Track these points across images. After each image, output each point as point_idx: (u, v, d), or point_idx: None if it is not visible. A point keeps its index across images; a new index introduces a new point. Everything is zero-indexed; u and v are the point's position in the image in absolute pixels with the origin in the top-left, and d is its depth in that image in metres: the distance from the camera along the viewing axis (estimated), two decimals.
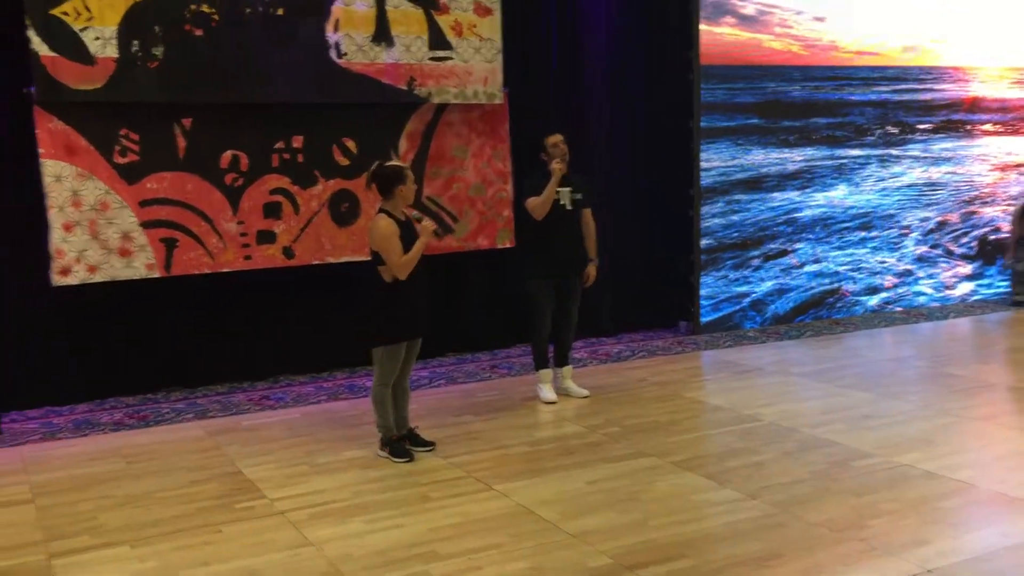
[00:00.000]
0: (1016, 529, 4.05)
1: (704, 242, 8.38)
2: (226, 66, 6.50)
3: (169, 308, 6.74)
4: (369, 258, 5.19)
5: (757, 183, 8.66)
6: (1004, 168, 9.98)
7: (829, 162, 9.03)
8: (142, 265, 6.45)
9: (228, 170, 6.69)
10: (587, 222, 6.36)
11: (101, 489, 4.86)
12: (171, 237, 6.53)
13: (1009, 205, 9.95)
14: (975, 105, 9.81)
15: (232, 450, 5.45)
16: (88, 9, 6.09)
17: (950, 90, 9.68)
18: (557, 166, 6.07)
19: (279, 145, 6.83)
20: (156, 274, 6.50)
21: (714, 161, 8.42)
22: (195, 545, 4.11)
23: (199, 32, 6.41)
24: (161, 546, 4.12)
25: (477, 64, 7.31)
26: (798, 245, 8.85)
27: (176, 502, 4.64)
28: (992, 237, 9.88)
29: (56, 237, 6.18)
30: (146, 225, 6.44)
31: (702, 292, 8.40)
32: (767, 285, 8.73)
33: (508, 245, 7.64)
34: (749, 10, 8.49)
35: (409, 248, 5.01)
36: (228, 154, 6.68)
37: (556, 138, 6.20)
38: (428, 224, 5.15)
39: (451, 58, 7.22)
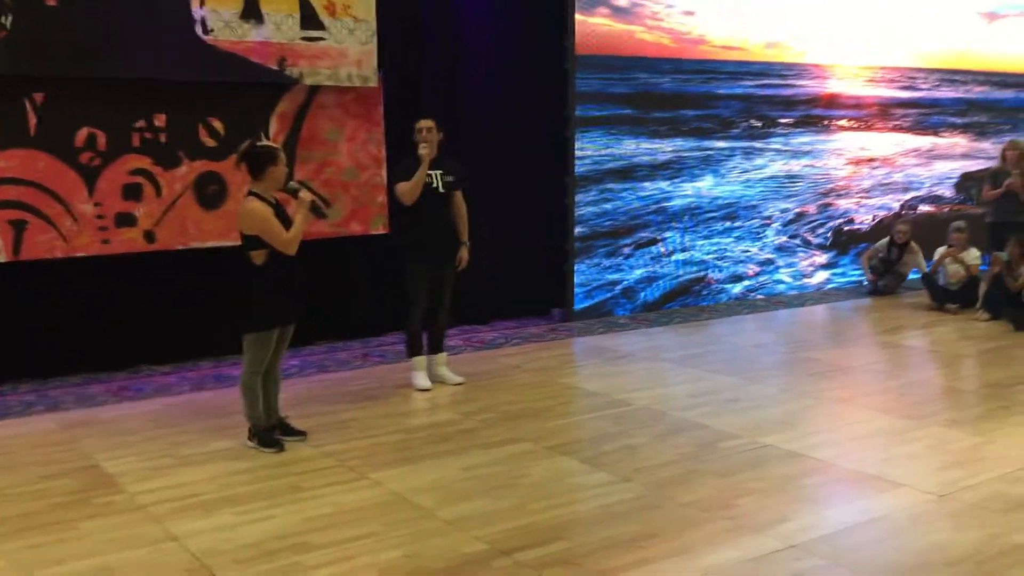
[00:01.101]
0: (873, 504, 4.25)
1: (578, 230, 8.47)
2: (82, 38, 6.14)
3: (18, 295, 6.34)
4: (239, 243, 5.00)
5: (629, 172, 8.81)
6: (858, 162, 10.48)
7: (697, 153, 9.27)
8: None
9: (84, 149, 6.34)
10: (458, 205, 6.29)
11: None
12: (20, 219, 6.14)
13: (861, 198, 10.46)
14: (832, 101, 10.25)
15: (88, 443, 5.17)
16: None
17: (809, 86, 10.08)
18: (424, 151, 6.01)
19: (140, 124, 6.52)
20: (3, 259, 6.11)
21: (588, 150, 8.51)
22: (48, 543, 3.88)
23: (53, 2, 6.03)
24: (10, 545, 3.86)
25: (351, 46, 7.16)
26: (667, 234, 9.06)
27: (27, 499, 4.37)
28: (846, 228, 10.36)
29: None
30: None
31: (575, 279, 8.49)
32: (638, 273, 8.90)
33: (382, 231, 7.53)
34: (622, 2, 8.61)
35: (286, 227, 4.87)
36: (84, 132, 6.33)
37: (426, 123, 6.11)
38: (305, 195, 4.98)
39: (324, 39, 7.04)
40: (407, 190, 6.03)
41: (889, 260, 9.79)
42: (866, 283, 9.98)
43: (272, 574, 3.60)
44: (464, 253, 6.31)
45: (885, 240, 9.87)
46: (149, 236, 6.59)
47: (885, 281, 9.79)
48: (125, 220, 6.50)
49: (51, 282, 6.41)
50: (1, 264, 6.13)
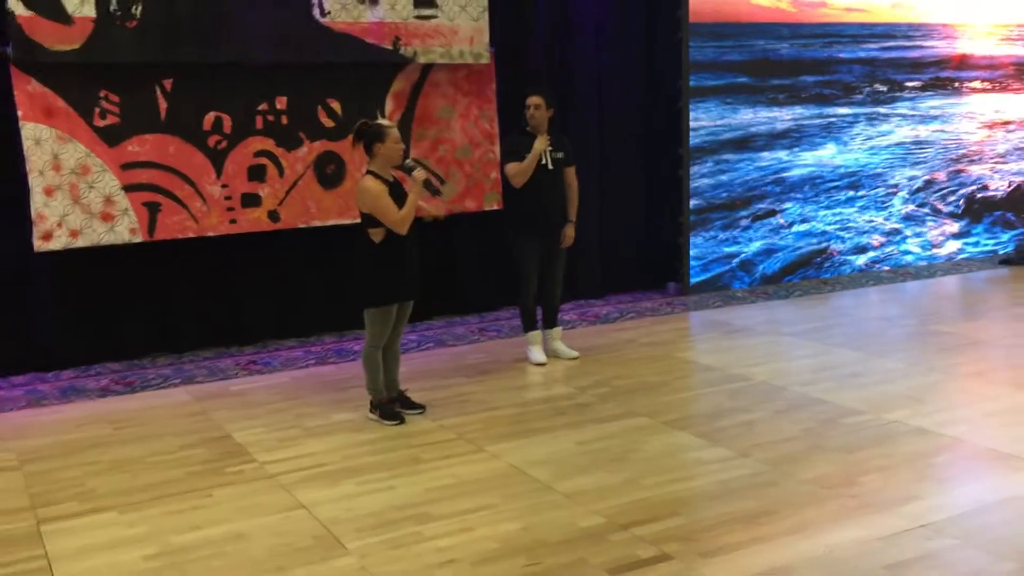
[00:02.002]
0: (1006, 484, 4.07)
1: (693, 202, 8.34)
2: (207, 25, 6.37)
3: (154, 273, 6.67)
4: (358, 221, 5.13)
5: (746, 143, 8.60)
6: (992, 126, 9.95)
7: (818, 121, 8.97)
8: (125, 229, 6.36)
9: (211, 132, 6.58)
10: (570, 182, 6.26)
11: (88, 455, 4.82)
12: (154, 201, 6.44)
13: (996, 163, 9.94)
14: (963, 62, 9.75)
15: (220, 415, 5.41)
16: None
17: (938, 47, 9.61)
18: (541, 144, 5.98)
19: (263, 107, 6.73)
20: (139, 238, 6.42)
21: (703, 120, 8.35)
22: (184, 510, 4.09)
23: None
24: (150, 511, 4.09)
25: (463, 23, 7.20)
26: (786, 205, 8.82)
27: (164, 467, 4.61)
28: (979, 195, 9.87)
29: (37, 201, 6.08)
30: (128, 189, 6.34)
31: (691, 253, 8.37)
32: (756, 245, 8.70)
33: (496, 207, 7.58)
34: None
35: (401, 204, 4.95)
36: (211, 116, 6.57)
37: (534, 99, 6.08)
38: (419, 174, 5.03)
39: (436, 17, 7.10)
40: (517, 173, 6.04)
41: None
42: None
43: (393, 543, 3.70)
44: (570, 231, 6.27)
45: None
46: (273, 215, 6.82)
47: None
48: (251, 200, 6.74)
49: (183, 261, 6.71)
50: (137, 244, 6.44)
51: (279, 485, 4.32)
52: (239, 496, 4.22)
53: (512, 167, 6.07)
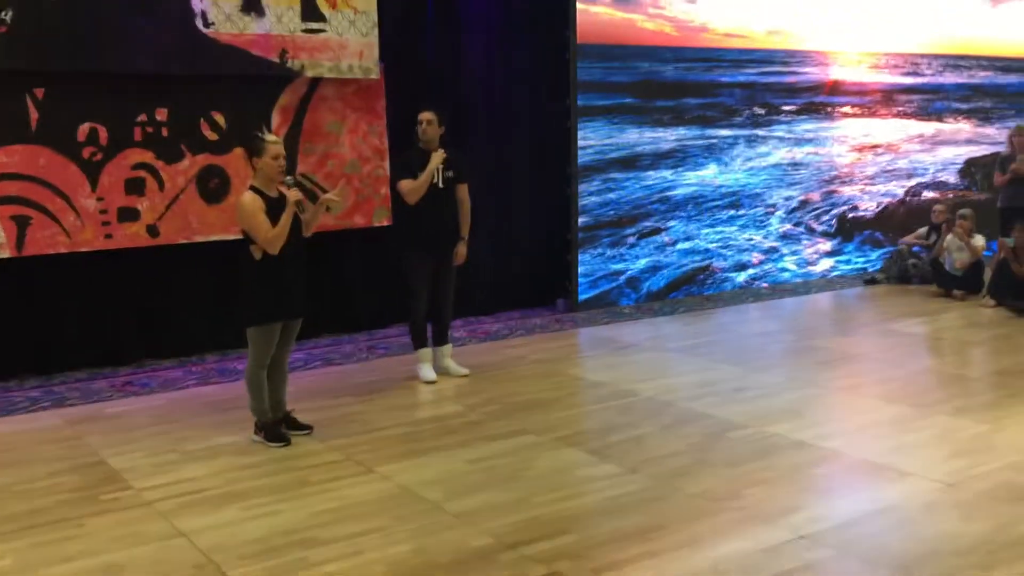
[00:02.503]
0: (882, 495, 4.23)
1: (581, 220, 8.45)
2: (83, 33, 6.12)
3: (22, 289, 6.33)
4: (240, 236, 4.99)
5: (632, 162, 8.78)
6: (861, 149, 10.43)
7: (700, 142, 9.23)
8: None
9: (86, 143, 6.32)
10: (462, 199, 6.23)
11: None
12: (23, 215, 6.13)
13: (865, 185, 10.41)
14: (835, 88, 10.20)
15: (94, 439, 5.17)
16: None
17: (812, 73, 10.03)
18: (436, 160, 5.96)
19: (142, 118, 6.50)
20: (7, 254, 6.10)
21: (591, 140, 8.48)
22: (56, 540, 3.87)
23: None
24: (17, 542, 3.86)
25: (352, 37, 7.12)
26: (671, 223, 9.03)
27: (33, 496, 4.36)
28: (851, 215, 10.33)
29: None
30: None
31: (580, 270, 8.47)
32: (642, 263, 8.88)
33: (385, 223, 7.51)
34: None
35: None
36: (86, 127, 6.31)
37: (427, 115, 6.05)
38: (292, 193, 4.90)
39: (325, 31, 7.01)
40: (411, 190, 5.99)
41: (930, 244, 9.56)
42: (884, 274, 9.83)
43: (279, 569, 3.59)
44: (462, 248, 6.25)
45: (923, 228, 9.73)
46: (152, 230, 6.58)
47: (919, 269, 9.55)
48: (128, 214, 6.48)
49: (54, 277, 6.40)
50: (5, 260, 6.11)
51: (157, 512, 4.15)
52: (114, 525, 4.02)
53: (406, 184, 6.02)
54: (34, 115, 6.13)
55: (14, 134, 6.07)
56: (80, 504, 4.25)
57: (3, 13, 5.86)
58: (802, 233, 9.99)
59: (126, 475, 4.61)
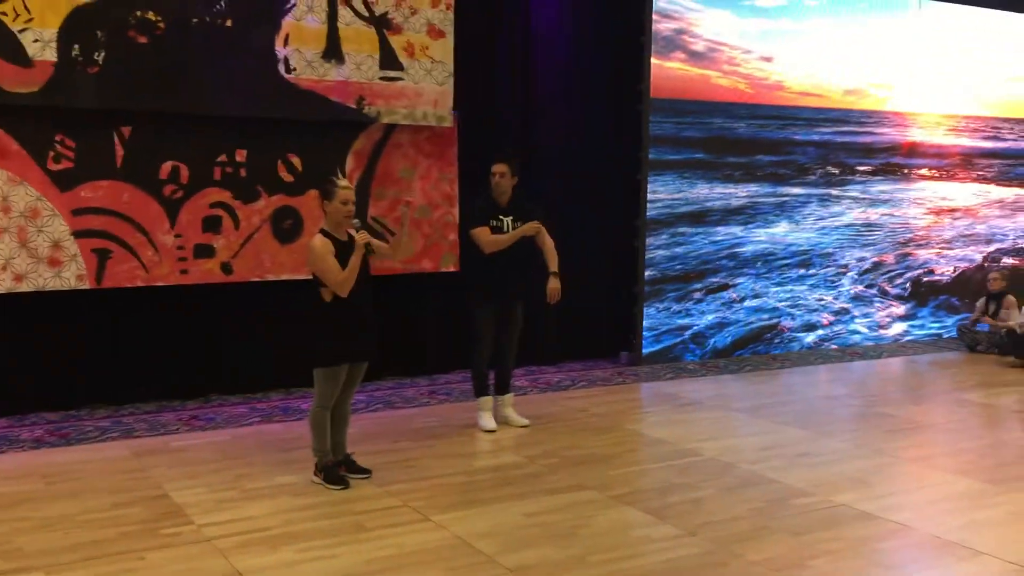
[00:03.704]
0: (952, 573, 4.08)
1: (648, 273, 8.40)
2: (169, 75, 6.34)
3: (97, 321, 6.51)
4: (310, 277, 5.07)
5: (701, 217, 8.73)
6: (939, 212, 10.23)
7: (772, 199, 9.14)
8: (72, 276, 6.22)
9: (167, 181, 6.51)
10: (543, 240, 6.20)
11: (18, 510, 4.62)
12: (104, 248, 6.32)
13: (942, 249, 10.19)
14: (913, 150, 10.04)
15: (158, 472, 5.25)
16: (28, 10, 5.89)
17: (889, 134, 9.90)
18: (531, 228, 6.03)
19: (221, 158, 6.68)
20: (86, 285, 6.28)
21: (660, 193, 8.46)
22: (116, 573, 3.93)
23: (143, 39, 6.24)
24: (79, 573, 3.92)
25: (428, 86, 7.25)
26: (739, 280, 8.93)
27: (97, 526, 4.44)
28: (925, 279, 10.10)
29: None
30: (78, 235, 6.23)
31: (644, 323, 8.41)
32: (708, 318, 8.78)
33: (452, 269, 7.56)
34: (699, 46, 8.58)
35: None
36: (168, 165, 6.50)
37: (499, 167, 6.06)
38: (360, 237, 4.97)
39: (402, 79, 7.15)
40: (491, 242, 6.04)
41: (990, 316, 9.39)
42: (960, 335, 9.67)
43: None
44: (554, 283, 6.14)
45: (982, 299, 9.55)
46: (226, 268, 6.72)
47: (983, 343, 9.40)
48: (204, 251, 6.64)
49: (129, 310, 6.57)
50: (83, 291, 6.30)
51: (216, 549, 4.18)
52: (174, 560, 4.07)
53: (486, 236, 6.04)
54: (120, 152, 6.34)
55: (101, 170, 6.28)
56: (142, 537, 4.31)
57: (96, 55, 6.11)
58: (875, 295, 9.79)
59: (188, 510, 4.66)
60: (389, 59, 7.09)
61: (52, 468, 5.30)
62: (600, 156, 8.41)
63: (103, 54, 6.13)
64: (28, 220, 6.06)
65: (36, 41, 5.92)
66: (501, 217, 6.10)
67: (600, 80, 8.36)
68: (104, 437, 5.94)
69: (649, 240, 8.40)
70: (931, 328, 10.10)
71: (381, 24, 7.04)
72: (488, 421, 6.27)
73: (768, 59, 8.99)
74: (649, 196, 8.37)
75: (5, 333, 6.24)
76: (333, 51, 6.87)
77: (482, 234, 6.08)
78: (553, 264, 6.18)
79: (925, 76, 9.95)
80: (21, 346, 6.30)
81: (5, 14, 5.83)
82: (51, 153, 6.12)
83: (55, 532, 4.35)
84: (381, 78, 7.06)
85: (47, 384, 6.41)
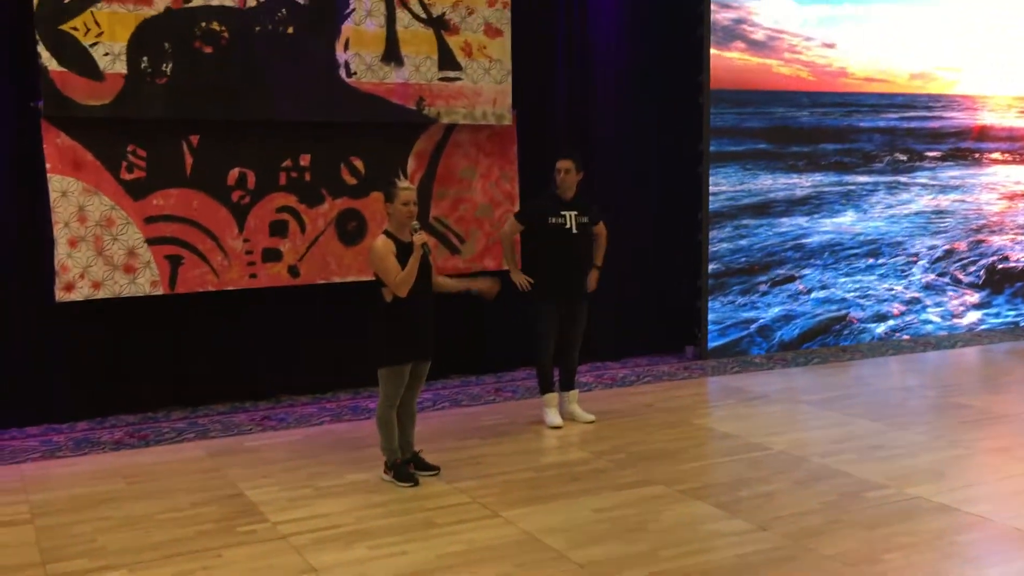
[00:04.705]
0: None
1: (711, 267, 8.33)
2: (234, 83, 6.47)
3: (172, 325, 6.68)
4: (373, 278, 5.13)
5: (765, 208, 8.62)
6: (1012, 197, 9.94)
7: (837, 188, 8.99)
8: (147, 282, 6.40)
9: (235, 187, 6.65)
10: (599, 233, 6.32)
11: (100, 510, 4.78)
12: (176, 254, 6.48)
13: (1017, 234, 9.90)
14: (983, 133, 9.78)
15: (233, 471, 5.37)
16: (98, 24, 6.07)
17: (958, 118, 9.65)
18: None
19: (286, 163, 6.80)
20: (160, 291, 6.45)
21: (722, 185, 8.38)
22: (195, 570, 4.03)
23: (208, 49, 6.39)
24: (160, 570, 4.04)
25: (486, 85, 7.29)
26: (805, 271, 8.80)
27: (176, 525, 4.56)
28: (1000, 266, 9.82)
29: (61, 253, 6.13)
30: (151, 242, 6.40)
31: (709, 317, 8.33)
32: (774, 311, 8.66)
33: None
34: (759, 35, 8.47)
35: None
36: (235, 171, 6.64)
37: (564, 163, 6.12)
38: (417, 237, 4.99)
39: (460, 79, 7.20)
40: (506, 233, 6.38)
41: None
42: None
43: None
44: (594, 274, 6.30)
45: None
46: (293, 271, 6.85)
47: None
48: (271, 255, 6.77)
49: (201, 314, 6.73)
50: (158, 296, 6.47)
51: (291, 547, 4.27)
52: (250, 557, 4.16)
53: (507, 229, 6.36)
54: (189, 160, 6.50)
55: (171, 178, 6.45)
56: (219, 535, 4.42)
57: (163, 66, 6.27)
58: (947, 284, 9.55)
59: (263, 508, 4.76)
60: (447, 59, 7.14)
61: (132, 469, 5.46)
62: (661, 149, 8.36)
63: (170, 65, 6.29)
64: (103, 229, 6.25)
65: (106, 55, 6.10)
66: (564, 213, 6.12)
67: (659, 73, 8.30)
68: (180, 438, 6.10)
69: (712, 233, 8.32)
70: (1007, 316, 9.83)
71: (438, 25, 7.10)
72: (554, 417, 6.28)
73: (830, 45, 8.84)
74: (712, 188, 8.29)
75: (85, 339, 6.44)
76: (392, 54, 6.94)
77: (507, 225, 6.43)
78: (599, 259, 6.35)
79: (994, 57, 9.67)
80: (100, 351, 6.50)
81: (76, 29, 6.01)
82: (124, 163, 6.30)
83: (136, 531, 4.49)
84: (440, 79, 7.12)
85: (125, 388, 6.60)
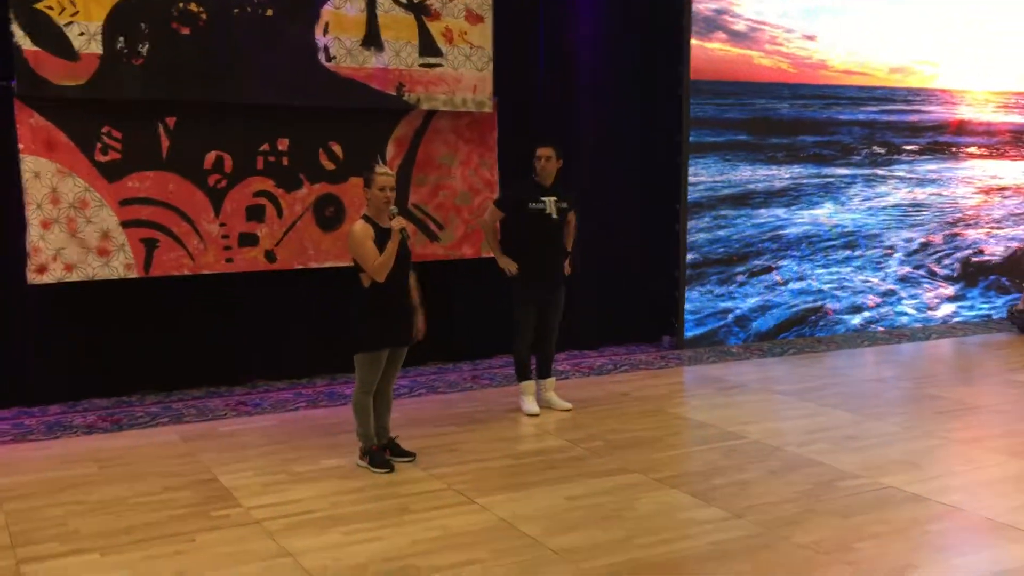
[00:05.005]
0: (1005, 555, 4.01)
1: (689, 257, 8.34)
2: (212, 65, 6.40)
3: (146, 309, 6.62)
4: (351, 264, 5.10)
5: (744, 199, 8.64)
6: (988, 191, 10.02)
7: (816, 180, 9.02)
8: (121, 265, 6.33)
9: (212, 171, 6.58)
10: (570, 222, 6.34)
11: (72, 494, 4.73)
12: (151, 237, 6.41)
13: (992, 228, 9.99)
14: (961, 128, 9.85)
15: (207, 456, 5.33)
16: (73, 4, 5.98)
17: (936, 112, 9.71)
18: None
19: (264, 147, 6.74)
20: (135, 275, 6.39)
21: (701, 176, 8.39)
22: (168, 554, 4.00)
23: (186, 31, 6.31)
24: (133, 554, 4.00)
25: (467, 72, 7.25)
26: (783, 262, 8.84)
27: (149, 509, 4.52)
28: (975, 259, 9.91)
29: (33, 235, 6.05)
30: (126, 224, 6.33)
31: (686, 307, 8.35)
32: (751, 301, 8.70)
33: (492, 254, 7.55)
34: (740, 27, 8.48)
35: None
36: (212, 155, 6.57)
37: (545, 151, 6.12)
38: (395, 223, 4.97)
39: (441, 65, 7.15)
40: (486, 221, 6.37)
41: None
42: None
43: None
44: (567, 260, 6.37)
45: None
46: (270, 256, 6.79)
47: None
48: (248, 240, 6.72)
49: (176, 298, 6.67)
50: (132, 280, 6.40)
51: (265, 532, 4.24)
52: (224, 542, 4.13)
53: (488, 217, 6.34)
54: (165, 143, 6.43)
55: (146, 161, 6.37)
56: (192, 519, 4.39)
57: (140, 46, 6.19)
58: (923, 276, 9.63)
59: (236, 493, 4.73)
60: (428, 45, 7.10)
61: (105, 453, 5.41)
62: (641, 139, 8.36)
63: (147, 46, 6.21)
64: (77, 211, 6.17)
65: (82, 34, 6.01)
66: (543, 199, 6.11)
67: (640, 63, 8.29)
68: (154, 423, 6.05)
69: (691, 223, 8.33)
70: (981, 309, 9.92)
71: (419, 10, 7.04)
72: (531, 405, 6.28)
73: (811, 38, 8.86)
74: (691, 179, 8.30)
75: (57, 322, 6.37)
76: (372, 39, 6.89)
77: (488, 214, 6.40)
78: (569, 245, 6.40)
79: (973, 52, 9.73)
80: (73, 335, 6.43)
81: (51, 8, 5.92)
82: (98, 145, 6.22)
83: (109, 515, 4.45)
84: (420, 64, 7.08)
85: (99, 371, 6.54)
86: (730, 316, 8.60)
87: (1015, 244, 10.15)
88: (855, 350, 8.50)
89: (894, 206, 9.45)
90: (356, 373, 5.09)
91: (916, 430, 5.90)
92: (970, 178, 9.90)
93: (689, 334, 8.39)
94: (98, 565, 3.90)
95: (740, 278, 8.64)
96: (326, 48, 6.74)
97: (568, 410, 6.33)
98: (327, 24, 6.73)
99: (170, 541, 4.14)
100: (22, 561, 3.93)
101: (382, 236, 4.95)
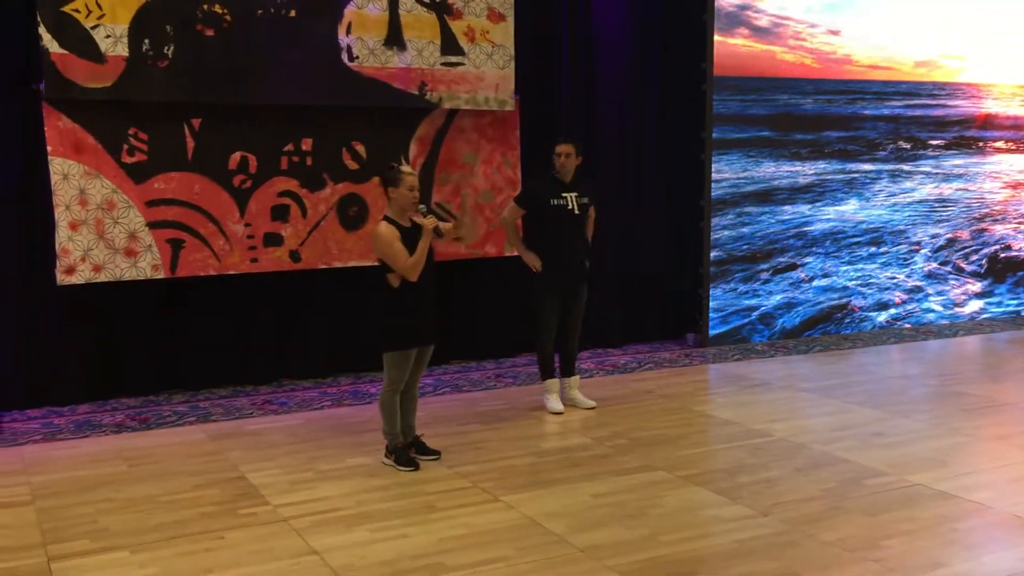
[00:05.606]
0: None
1: (713, 254, 8.31)
2: (236, 67, 6.45)
3: (173, 309, 6.68)
4: (376, 263, 5.13)
5: (768, 196, 8.60)
6: (1016, 186, 9.91)
7: (840, 176, 8.97)
8: (148, 266, 6.39)
9: (236, 171, 6.63)
10: (589, 215, 6.34)
11: (102, 492, 4.79)
12: (177, 238, 6.47)
13: (1020, 223, 9.89)
14: (988, 122, 9.75)
15: (235, 455, 5.38)
16: (99, 7, 6.04)
17: (963, 106, 9.62)
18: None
19: (288, 147, 6.78)
20: (161, 275, 6.45)
21: (725, 173, 8.36)
22: (197, 552, 4.04)
23: (210, 32, 6.36)
24: (162, 552, 4.05)
25: (489, 70, 7.26)
26: (807, 259, 8.79)
27: (178, 507, 4.57)
28: (1003, 255, 9.81)
29: (62, 236, 6.12)
30: (153, 225, 6.39)
31: (711, 304, 8.33)
32: (776, 299, 8.66)
33: (516, 252, 7.56)
34: (763, 22, 8.44)
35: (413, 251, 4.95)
36: (237, 155, 6.62)
37: (564, 148, 6.12)
38: (427, 221, 5.01)
39: (463, 64, 7.17)
40: (507, 219, 6.34)
41: None
42: None
43: None
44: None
45: None
46: (294, 255, 6.84)
47: None
48: (273, 240, 6.76)
49: (202, 298, 6.72)
50: (159, 280, 6.47)
51: (292, 529, 4.28)
52: (251, 539, 4.17)
53: (508, 216, 6.31)
54: (191, 144, 6.48)
55: (172, 162, 6.43)
56: (220, 517, 4.43)
57: (165, 48, 6.24)
58: (949, 273, 9.54)
59: (264, 491, 4.77)
60: (450, 44, 7.11)
61: (134, 452, 5.47)
62: (664, 136, 8.34)
63: (172, 48, 6.26)
64: (104, 212, 6.24)
65: (108, 37, 6.08)
66: (564, 194, 6.12)
67: (663, 59, 8.27)
68: (182, 421, 6.10)
69: (715, 220, 8.30)
70: (1009, 305, 9.82)
71: (441, 9, 7.06)
72: (555, 403, 6.28)
73: (835, 32, 8.80)
74: (714, 175, 8.27)
75: (86, 322, 6.44)
76: (395, 38, 6.91)
77: (508, 211, 6.37)
78: (588, 238, 6.40)
79: (1000, 45, 9.63)
80: (102, 335, 6.51)
81: (78, 11, 5.99)
82: (125, 146, 6.28)
83: (138, 513, 4.50)
84: (442, 64, 7.09)
85: (127, 371, 6.61)
86: (755, 314, 8.56)
87: None
88: (881, 347, 8.44)
89: (920, 202, 9.37)
90: (384, 372, 5.12)
91: (943, 427, 5.86)
92: (997, 173, 9.80)
93: (713, 332, 8.36)
94: (128, 562, 3.94)
95: (764, 275, 8.60)
96: (349, 48, 6.77)
97: (592, 408, 6.33)
98: (350, 24, 6.76)
99: (199, 539, 4.18)
100: (53, 558, 3.99)
101: (406, 235, 4.97)
